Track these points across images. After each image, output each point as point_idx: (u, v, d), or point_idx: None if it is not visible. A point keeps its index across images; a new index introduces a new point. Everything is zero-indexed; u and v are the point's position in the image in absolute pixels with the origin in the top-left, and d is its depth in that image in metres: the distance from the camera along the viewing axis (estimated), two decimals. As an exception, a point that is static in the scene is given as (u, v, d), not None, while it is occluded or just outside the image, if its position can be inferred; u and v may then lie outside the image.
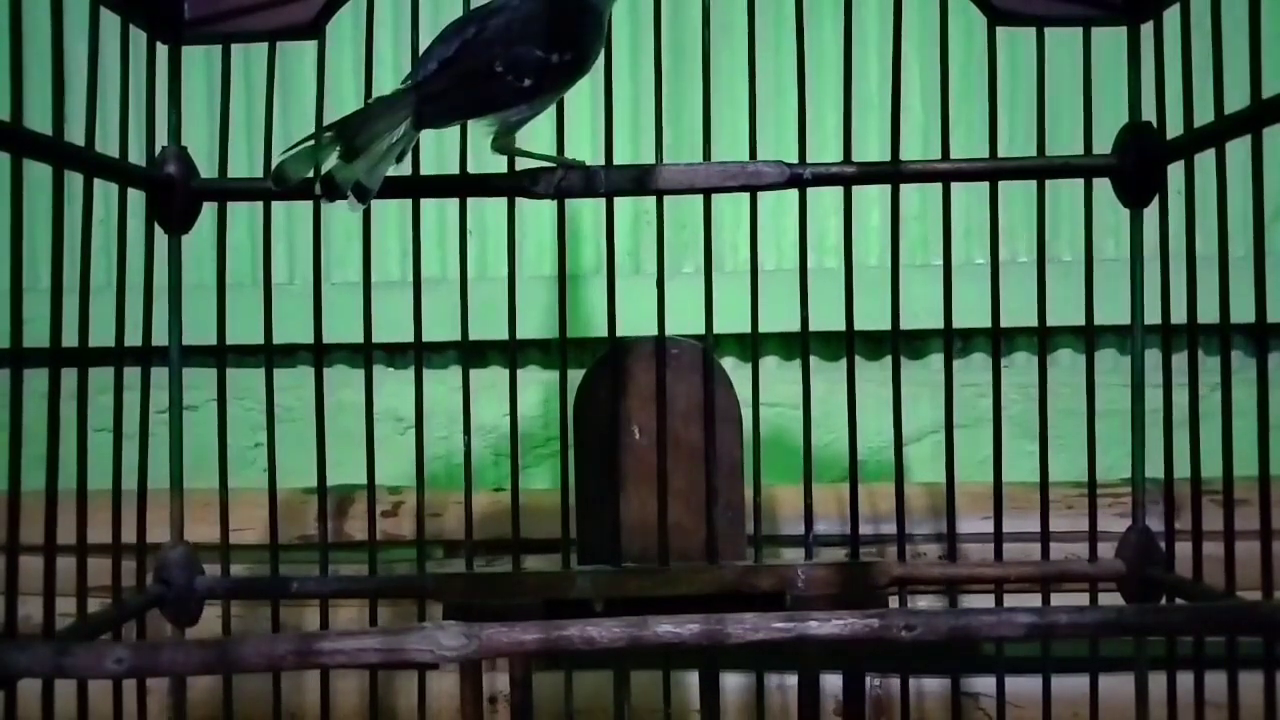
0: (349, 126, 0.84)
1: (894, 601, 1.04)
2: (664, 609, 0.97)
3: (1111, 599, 1.02)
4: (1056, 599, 1.05)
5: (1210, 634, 0.88)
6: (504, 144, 0.95)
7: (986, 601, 1.05)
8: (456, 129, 1.03)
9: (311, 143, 0.85)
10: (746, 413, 1.02)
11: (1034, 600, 1.04)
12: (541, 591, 0.99)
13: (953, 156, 1.02)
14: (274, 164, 0.84)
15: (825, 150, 1.30)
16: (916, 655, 1.13)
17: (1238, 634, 0.83)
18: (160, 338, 1.00)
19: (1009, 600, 1.04)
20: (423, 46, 0.95)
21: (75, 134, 0.85)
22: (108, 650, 0.66)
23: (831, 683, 1.16)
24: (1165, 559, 0.98)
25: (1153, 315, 0.98)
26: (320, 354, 1.04)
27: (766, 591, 0.99)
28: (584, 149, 1.42)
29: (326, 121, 0.91)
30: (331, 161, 0.83)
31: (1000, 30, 1.02)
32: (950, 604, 1.13)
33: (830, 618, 0.66)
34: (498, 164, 1.02)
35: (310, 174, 0.86)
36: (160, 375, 1.00)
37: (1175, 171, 0.95)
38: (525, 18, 0.90)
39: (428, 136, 1.05)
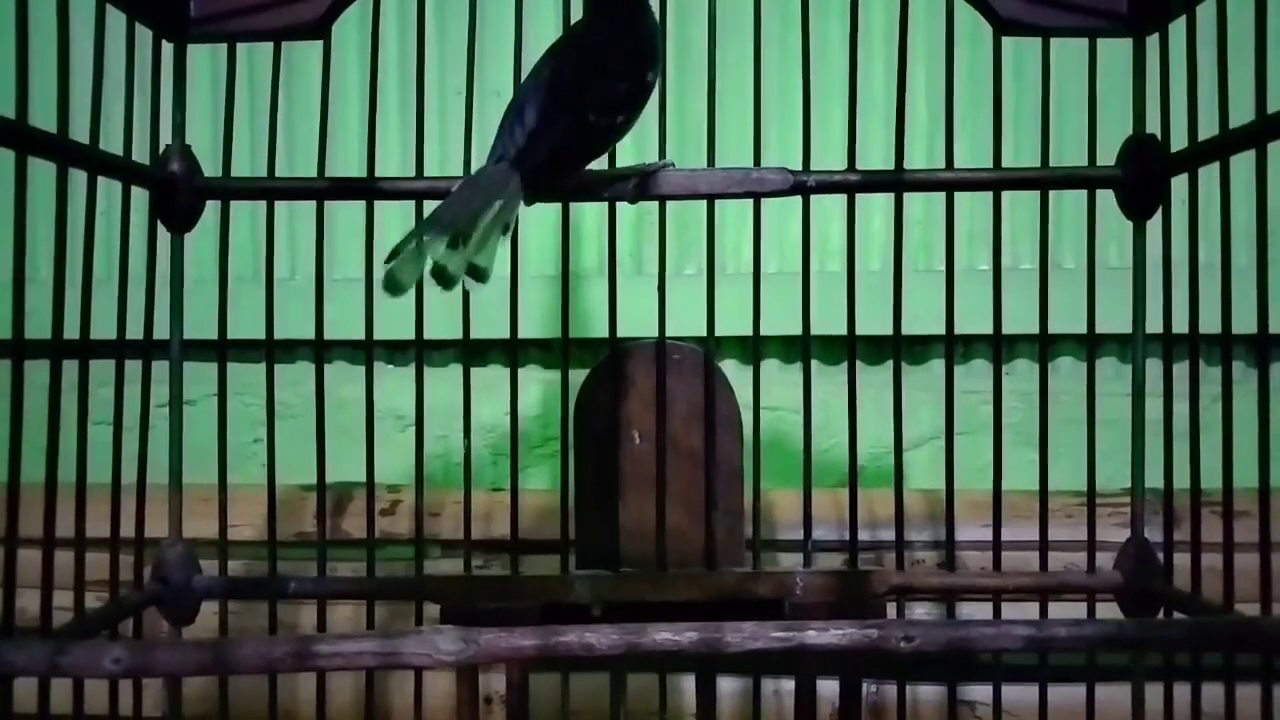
0: (451, 220, 0.79)
1: (891, 608, 1.04)
2: (662, 614, 0.98)
3: (1109, 607, 1.02)
4: (1054, 607, 1.05)
5: (1209, 650, 0.88)
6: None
7: (985, 608, 1.06)
8: (461, 123, 1.03)
9: (414, 244, 0.78)
10: (746, 416, 1.02)
11: (1032, 607, 1.04)
12: (539, 595, 0.99)
13: (957, 159, 1.02)
14: (384, 272, 0.78)
15: (829, 149, 1.30)
16: (913, 663, 1.13)
17: (1236, 650, 0.83)
18: (161, 331, 0.99)
19: (1007, 606, 1.04)
20: (428, 51, 0.95)
21: (80, 130, 0.85)
22: (105, 650, 0.66)
23: (828, 688, 1.16)
24: (1164, 571, 0.98)
25: (1154, 324, 0.98)
26: (321, 350, 1.04)
27: (765, 598, 0.99)
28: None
29: (332, 125, 0.91)
30: (438, 252, 0.78)
31: (1006, 40, 1.02)
32: (948, 611, 1.13)
33: (829, 627, 0.65)
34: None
35: (422, 273, 0.78)
36: (160, 369, 1.00)
37: (1179, 182, 0.95)
38: (597, 54, 0.88)
39: (430, 137, 1.05)
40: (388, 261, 0.78)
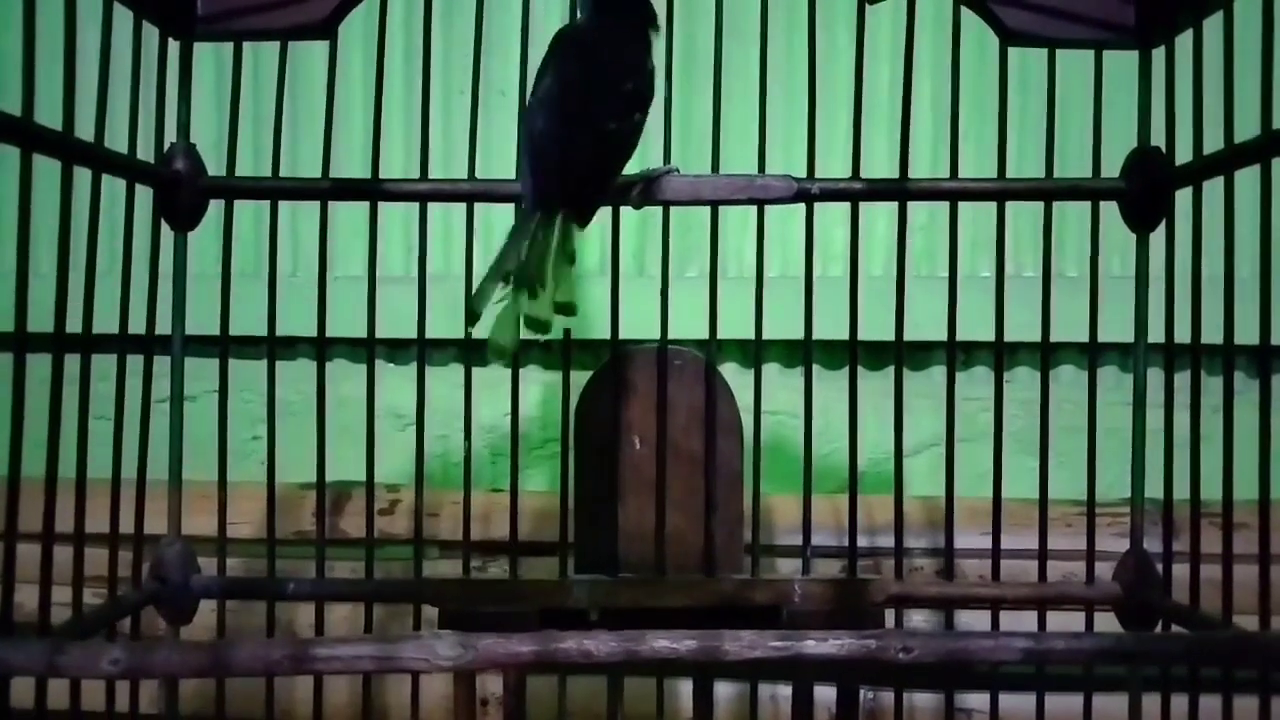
0: (521, 273, 0.79)
1: (889, 616, 1.04)
2: (660, 619, 0.98)
3: (1108, 616, 1.02)
4: (1052, 615, 1.05)
5: (1207, 664, 0.88)
6: None
7: (983, 615, 1.05)
8: (465, 129, 1.03)
9: (504, 300, 0.80)
10: (746, 419, 1.02)
11: (1030, 615, 1.04)
12: (538, 600, 0.99)
13: (961, 166, 1.02)
14: (488, 342, 0.80)
15: (833, 153, 1.30)
16: (910, 670, 1.12)
17: (1234, 665, 0.83)
18: (163, 327, 1.00)
19: (1005, 614, 1.04)
20: (435, 50, 0.94)
21: (85, 127, 0.85)
22: (103, 651, 0.66)
23: (825, 694, 1.16)
24: (1162, 583, 0.98)
25: (1156, 334, 0.98)
26: (323, 347, 1.04)
27: (763, 605, 0.99)
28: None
29: (336, 123, 0.91)
30: (523, 305, 0.79)
31: (1011, 50, 1.02)
32: (946, 620, 1.13)
33: (827, 637, 0.66)
34: (506, 169, 1.02)
35: (523, 330, 0.80)
36: (161, 365, 1.00)
37: (1183, 194, 0.95)
38: (600, 57, 0.89)
39: (435, 140, 1.05)
40: (470, 325, 0.82)
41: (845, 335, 1.03)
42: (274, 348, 1.05)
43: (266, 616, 1.05)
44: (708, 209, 1.02)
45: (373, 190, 1.03)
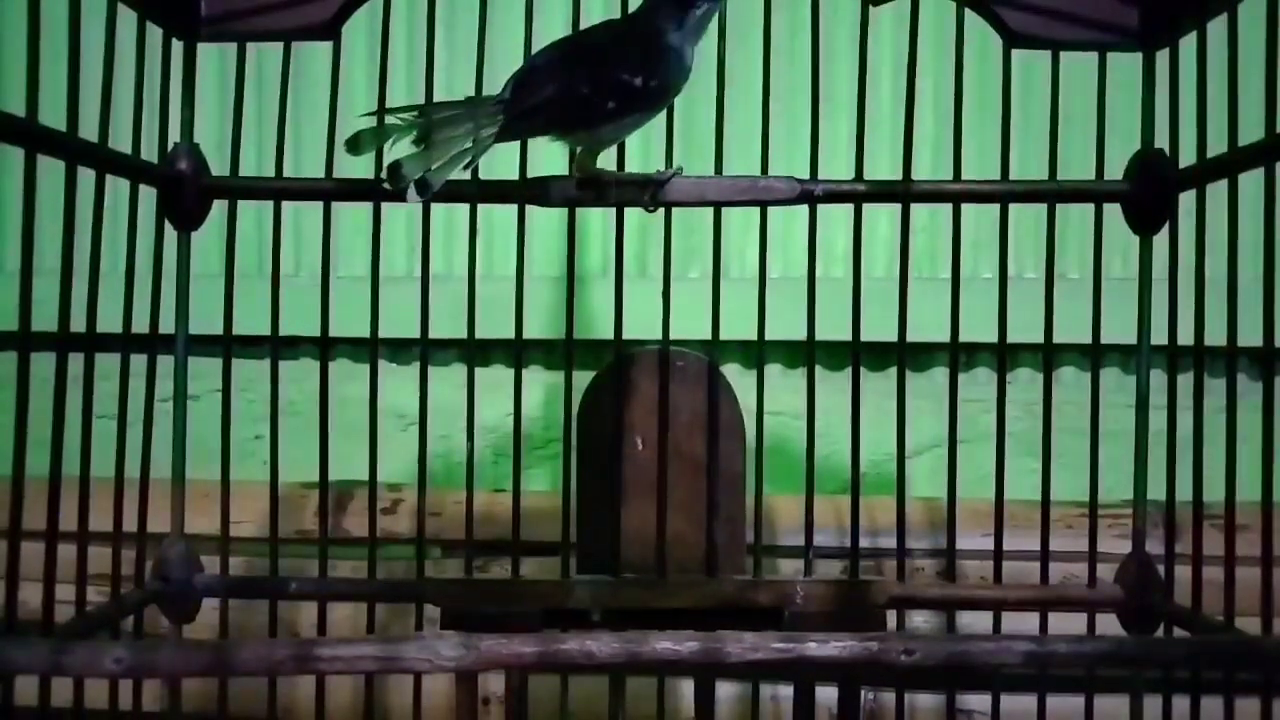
0: (433, 115, 0.85)
1: (891, 617, 1.04)
2: (662, 620, 0.98)
3: (1110, 617, 1.02)
4: (1054, 617, 1.05)
5: (1209, 669, 0.88)
6: (583, 164, 0.97)
7: (985, 616, 1.05)
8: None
9: (393, 119, 0.86)
10: (748, 420, 1.02)
11: (1032, 617, 1.04)
12: (540, 600, 0.99)
13: (964, 168, 1.02)
14: (351, 132, 0.87)
15: (836, 154, 1.30)
16: (912, 671, 1.12)
17: (1236, 669, 0.83)
18: (166, 326, 1.00)
19: (1007, 615, 1.04)
20: (437, 51, 0.95)
21: (89, 128, 0.85)
22: (106, 650, 0.66)
23: (826, 695, 1.16)
24: (1164, 585, 0.98)
25: (1159, 335, 0.98)
26: (325, 348, 1.04)
27: (765, 606, 0.99)
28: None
29: (339, 124, 0.91)
30: (403, 149, 0.83)
31: (1015, 52, 1.02)
32: (948, 620, 1.13)
33: (829, 640, 0.66)
34: (509, 169, 1.02)
35: (380, 146, 0.89)
36: (165, 363, 1.00)
37: (1185, 196, 0.95)
38: (609, 46, 0.92)
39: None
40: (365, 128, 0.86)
41: (847, 336, 1.03)
42: (277, 347, 1.05)
43: (269, 615, 1.05)
44: (710, 210, 1.02)
45: (375, 191, 1.03)
